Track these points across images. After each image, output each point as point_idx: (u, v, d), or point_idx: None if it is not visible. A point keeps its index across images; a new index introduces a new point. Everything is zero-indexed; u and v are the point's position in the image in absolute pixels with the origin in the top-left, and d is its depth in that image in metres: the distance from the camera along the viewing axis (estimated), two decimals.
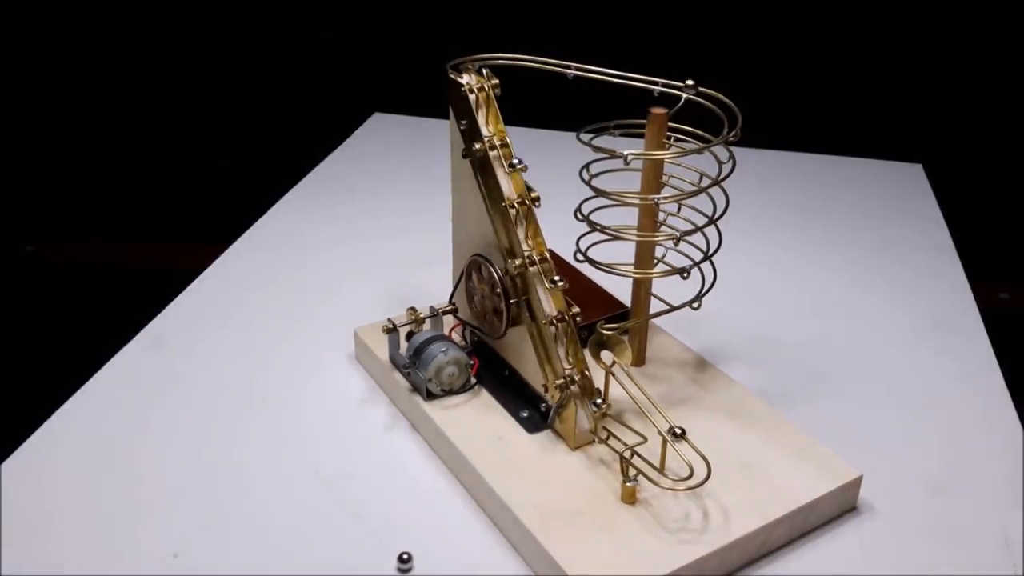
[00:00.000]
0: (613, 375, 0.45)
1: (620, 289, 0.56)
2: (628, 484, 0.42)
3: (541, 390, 0.47)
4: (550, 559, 0.40)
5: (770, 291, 0.67)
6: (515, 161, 0.46)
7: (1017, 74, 1.40)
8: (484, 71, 0.47)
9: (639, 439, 0.44)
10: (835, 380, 0.56)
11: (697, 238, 0.48)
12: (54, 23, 1.48)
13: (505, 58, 0.47)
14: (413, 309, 0.52)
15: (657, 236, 0.48)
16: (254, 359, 0.57)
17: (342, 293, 0.64)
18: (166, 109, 1.47)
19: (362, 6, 1.49)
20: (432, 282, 0.66)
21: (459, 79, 0.47)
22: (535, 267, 0.46)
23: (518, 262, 0.45)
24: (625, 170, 0.44)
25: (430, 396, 0.50)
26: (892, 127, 1.39)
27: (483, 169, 0.47)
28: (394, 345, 0.52)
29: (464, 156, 0.47)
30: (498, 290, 0.48)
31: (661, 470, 0.43)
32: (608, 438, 0.45)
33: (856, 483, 0.45)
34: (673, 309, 0.49)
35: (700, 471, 0.41)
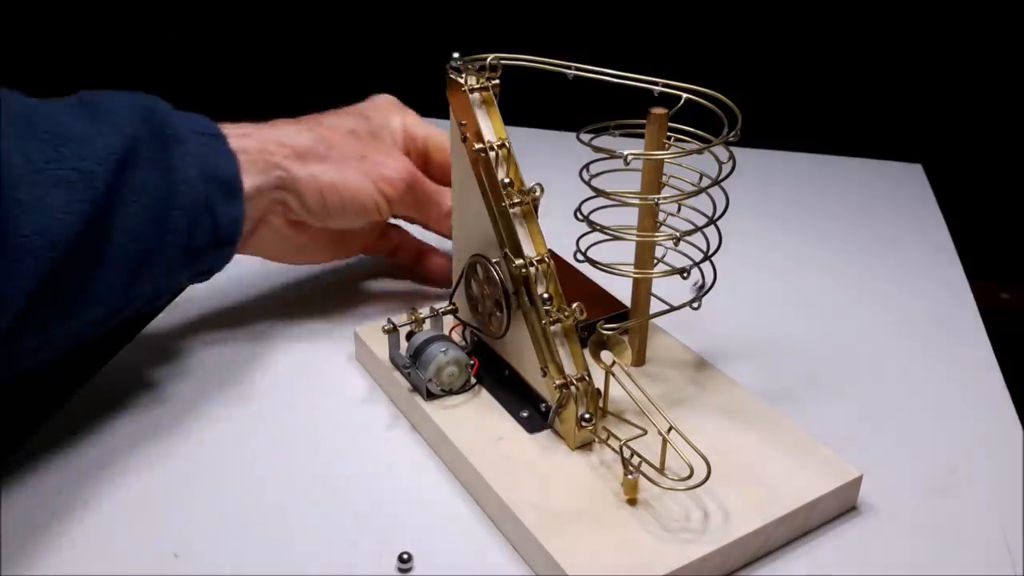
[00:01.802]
0: (613, 375, 0.45)
1: (620, 289, 0.56)
2: (629, 477, 0.42)
3: (541, 390, 0.47)
4: (550, 559, 0.40)
5: (770, 291, 0.67)
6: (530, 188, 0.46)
7: (1017, 74, 1.40)
8: (484, 71, 0.47)
9: (638, 432, 0.44)
10: (835, 380, 0.56)
11: (697, 238, 0.48)
12: (55, 23, 1.48)
13: (505, 58, 0.47)
14: (413, 309, 0.52)
15: (657, 236, 0.48)
16: (254, 359, 0.57)
17: (342, 293, 0.64)
18: None
19: (362, 6, 1.49)
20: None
21: (459, 79, 0.47)
22: (535, 267, 0.46)
23: (518, 262, 0.45)
24: (625, 170, 0.44)
25: (430, 396, 0.50)
26: (892, 127, 1.39)
27: (484, 169, 0.47)
28: (394, 345, 0.52)
29: (463, 139, 0.47)
30: (498, 290, 0.48)
31: (661, 470, 0.43)
32: (608, 438, 0.45)
33: (856, 483, 0.45)
34: (673, 309, 0.49)
35: (700, 471, 0.41)
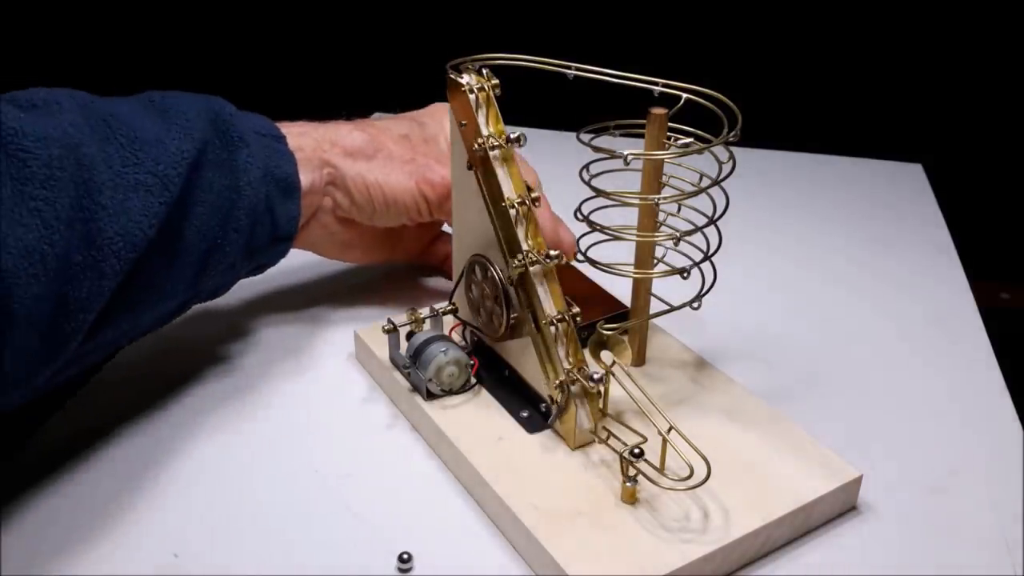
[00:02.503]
0: (613, 375, 0.45)
1: (620, 289, 0.56)
2: (628, 485, 0.42)
3: (541, 390, 0.47)
4: (550, 559, 0.40)
5: (770, 291, 0.67)
6: (515, 136, 0.46)
7: (1017, 74, 1.40)
8: (484, 71, 0.47)
9: (639, 439, 0.44)
10: (835, 380, 0.56)
11: (697, 238, 0.48)
12: (55, 22, 1.48)
13: (505, 58, 0.47)
14: (413, 309, 0.52)
15: (657, 236, 0.48)
16: (254, 359, 0.57)
17: (342, 293, 0.65)
18: None
19: (362, 6, 1.49)
20: (432, 282, 0.66)
21: (459, 79, 0.47)
22: (535, 267, 0.46)
23: (518, 262, 0.45)
24: (625, 170, 0.44)
25: (430, 396, 0.50)
26: (892, 127, 1.39)
27: (483, 169, 0.47)
28: (394, 345, 0.52)
29: (469, 168, 0.47)
30: (498, 290, 0.48)
31: (661, 470, 0.43)
32: (608, 438, 0.45)
33: (856, 483, 0.45)
34: (673, 309, 0.49)
35: (700, 471, 0.41)
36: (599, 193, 0.46)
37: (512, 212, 0.46)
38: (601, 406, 0.46)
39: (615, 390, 0.45)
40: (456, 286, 0.53)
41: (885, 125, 1.39)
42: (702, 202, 0.48)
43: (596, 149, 0.45)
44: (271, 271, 0.64)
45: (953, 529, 0.45)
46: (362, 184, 0.56)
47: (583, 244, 0.49)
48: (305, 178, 0.54)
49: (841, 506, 0.45)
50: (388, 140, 0.58)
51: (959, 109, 1.42)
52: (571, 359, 0.45)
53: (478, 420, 0.48)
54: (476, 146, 0.46)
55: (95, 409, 0.52)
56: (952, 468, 0.49)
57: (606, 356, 0.45)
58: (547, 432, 0.47)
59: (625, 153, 0.44)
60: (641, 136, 0.47)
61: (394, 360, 0.52)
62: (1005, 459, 0.50)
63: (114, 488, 0.46)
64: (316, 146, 0.55)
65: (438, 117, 0.62)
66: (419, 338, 0.50)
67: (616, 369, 0.45)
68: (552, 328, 0.45)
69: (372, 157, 0.56)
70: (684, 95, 0.45)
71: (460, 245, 0.52)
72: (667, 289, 0.49)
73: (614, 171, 0.46)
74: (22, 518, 0.44)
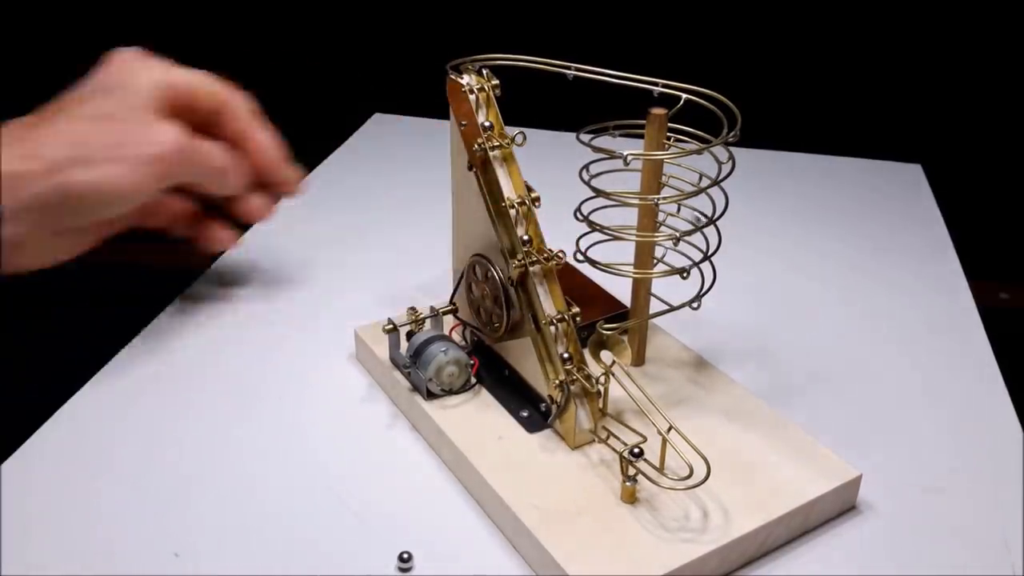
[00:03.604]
0: (613, 375, 0.45)
1: (620, 289, 0.56)
2: (628, 484, 0.42)
3: (541, 390, 0.47)
4: (550, 558, 0.40)
5: (769, 291, 0.67)
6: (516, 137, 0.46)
7: (1017, 74, 1.40)
8: (484, 71, 0.47)
9: (639, 439, 0.44)
10: (835, 380, 0.57)
11: (697, 238, 0.48)
12: (56, 22, 1.48)
13: (505, 58, 0.47)
14: (413, 309, 0.52)
15: (657, 236, 0.48)
16: (254, 359, 0.57)
17: (342, 293, 0.65)
18: None
19: (362, 6, 1.49)
20: (432, 282, 0.66)
21: (459, 80, 0.47)
22: (535, 267, 0.46)
23: (518, 262, 0.45)
24: (625, 170, 0.44)
25: (430, 396, 0.50)
26: (892, 127, 1.39)
27: (483, 169, 0.47)
28: (394, 345, 0.52)
29: (469, 168, 0.47)
30: (498, 291, 0.48)
31: (661, 470, 0.43)
32: (608, 438, 0.45)
33: (856, 483, 0.45)
34: (673, 309, 0.49)
35: (700, 470, 0.41)
36: (599, 193, 0.46)
37: (512, 212, 0.46)
38: (601, 406, 0.46)
39: (615, 390, 0.45)
40: (456, 286, 0.53)
41: (885, 125, 1.39)
42: (702, 202, 0.48)
43: (596, 149, 0.45)
44: (273, 269, 0.64)
45: (953, 529, 0.45)
46: (75, 194, 0.48)
47: (583, 244, 0.49)
48: (8, 207, 0.46)
49: (840, 506, 0.45)
50: (88, 130, 0.49)
51: (959, 109, 1.42)
52: (571, 359, 0.45)
53: (478, 420, 0.48)
54: (476, 146, 0.46)
55: (95, 408, 0.52)
56: (952, 468, 0.49)
57: (606, 356, 0.45)
58: (547, 432, 0.47)
59: (625, 153, 0.44)
60: (641, 136, 0.47)
61: (394, 360, 0.52)
62: (1005, 459, 0.50)
63: (114, 488, 0.46)
64: (12, 171, 0.47)
65: (126, 74, 0.52)
66: (419, 338, 0.50)
67: (616, 369, 0.45)
68: (552, 328, 0.45)
69: (77, 160, 0.48)
70: (684, 95, 0.45)
71: (460, 245, 0.52)
72: (667, 289, 0.49)
73: (614, 171, 0.46)
74: (22, 518, 0.44)
